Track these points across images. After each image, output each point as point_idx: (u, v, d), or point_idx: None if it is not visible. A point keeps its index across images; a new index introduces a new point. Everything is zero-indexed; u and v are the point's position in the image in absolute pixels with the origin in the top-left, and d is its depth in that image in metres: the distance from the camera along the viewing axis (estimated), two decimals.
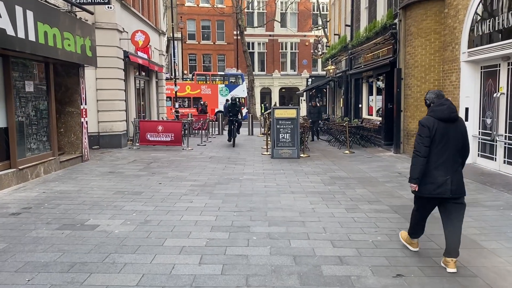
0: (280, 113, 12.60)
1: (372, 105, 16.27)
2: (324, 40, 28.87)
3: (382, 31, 13.43)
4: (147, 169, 10.07)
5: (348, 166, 10.77)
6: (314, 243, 4.85)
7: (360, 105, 17.10)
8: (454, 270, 4.05)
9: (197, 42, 43.21)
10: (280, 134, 12.43)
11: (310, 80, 45.70)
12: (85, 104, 11.05)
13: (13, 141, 7.96)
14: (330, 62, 19.98)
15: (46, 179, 8.60)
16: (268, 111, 24.90)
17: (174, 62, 29.22)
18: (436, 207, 4.33)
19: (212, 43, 43.59)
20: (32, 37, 7.82)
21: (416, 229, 4.54)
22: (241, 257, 4.41)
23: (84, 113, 10.93)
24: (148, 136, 14.26)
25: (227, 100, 23.57)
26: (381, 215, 6.07)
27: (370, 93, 16.54)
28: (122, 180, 8.65)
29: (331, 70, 19.25)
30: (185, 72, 41.91)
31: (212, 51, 43.74)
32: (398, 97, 12.57)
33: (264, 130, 20.85)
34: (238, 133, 15.92)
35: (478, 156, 10.16)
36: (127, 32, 14.86)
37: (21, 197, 7.02)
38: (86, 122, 11.15)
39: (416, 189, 4.20)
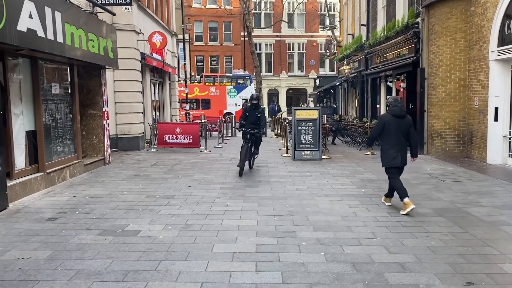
0: (301, 114, 12.43)
1: None
2: (335, 40, 28.68)
3: (403, 30, 13.25)
4: (171, 171, 9.92)
5: (374, 167, 10.59)
6: (368, 249, 4.68)
7: (378, 106, 16.91)
8: (411, 207, 6.03)
9: (204, 44, 43.13)
10: (302, 136, 12.26)
11: (317, 81, 45.58)
12: (107, 106, 10.93)
13: (41, 144, 7.83)
14: (345, 62, 19.81)
15: (73, 183, 8.47)
16: (282, 112, 24.86)
17: (184, 63, 29.04)
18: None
19: (219, 44, 43.49)
20: (60, 39, 7.70)
21: (402, 190, 6.28)
22: (298, 264, 4.25)
23: (106, 115, 10.81)
24: (166, 138, 14.13)
25: (246, 101, 21.56)
26: (427, 219, 5.90)
27: (389, 93, 16.35)
28: (150, 183, 8.50)
29: (346, 70, 19.07)
30: (193, 73, 41.80)
31: (219, 52, 43.64)
32: (422, 97, 12.38)
33: (278, 131, 20.75)
34: (257, 155, 10.70)
35: (509, 156, 9.96)
36: (143, 34, 14.75)
37: (52, 202, 6.88)
38: (108, 124, 11.02)
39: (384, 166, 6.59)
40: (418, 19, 12.47)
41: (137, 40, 14.03)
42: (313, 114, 12.38)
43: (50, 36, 7.34)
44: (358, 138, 14.96)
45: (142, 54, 14.47)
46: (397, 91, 15.28)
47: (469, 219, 5.91)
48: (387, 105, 6.65)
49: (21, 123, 7.41)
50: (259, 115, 9.98)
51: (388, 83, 16.23)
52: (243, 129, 9.90)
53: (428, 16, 12.01)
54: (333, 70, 45.40)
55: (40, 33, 7.00)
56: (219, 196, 7.38)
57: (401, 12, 14.20)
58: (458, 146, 11.50)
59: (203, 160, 11.91)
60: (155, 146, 14.27)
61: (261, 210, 6.39)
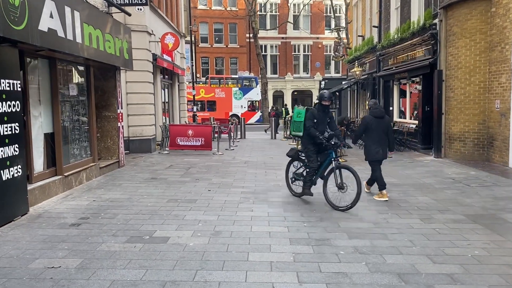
0: None
1: (404, 107, 15.86)
2: (343, 42, 28.49)
3: (419, 32, 13.05)
4: (188, 175, 9.74)
5: (393, 171, 10.39)
6: (411, 259, 4.49)
7: (391, 108, 16.70)
8: (387, 198, 7.15)
9: (209, 45, 42.96)
10: None
11: (323, 83, 45.37)
12: (121, 108, 10.76)
13: (59, 147, 7.66)
14: (356, 63, 19.61)
15: (90, 186, 8.29)
16: (291, 114, 24.66)
17: (192, 65, 28.91)
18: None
19: (225, 46, 43.33)
20: (79, 39, 7.54)
21: (381, 181, 7.37)
22: (341, 275, 4.06)
23: (120, 117, 10.64)
24: (178, 140, 13.96)
25: (315, 105, 18.93)
26: (463, 226, 5.69)
27: (402, 95, 16.15)
28: (169, 187, 8.32)
29: (357, 72, 18.87)
30: (198, 75, 41.65)
31: (225, 54, 43.48)
32: (439, 100, 12.17)
33: (287, 133, 20.54)
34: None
35: None
36: (155, 35, 14.59)
37: (73, 206, 6.71)
38: (122, 126, 10.85)
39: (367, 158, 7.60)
40: (435, 20, 12.28)
41: (149, 41, 13.88)
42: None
43: (70, 36, 7.18)
44: None
45: (154, 55, 14.32)
46: (410, 93, 15.09)
47: (507, 226, 5.71)
48: (369, 108, 7.65)
49: (39, 125, 7.24)
50: (329, 120, 7.19)
51: (402, 85, 16.04)
52: (320, 142, 6.77)
53: (446, 17, 11.81)
54: (338, 72, 45.19)
55: (60, 33, 6.83)
56: (242, 200, 7.20)
57: (417, 13, 14.01)
58: (477, 149, 11.29)
59: (217, 163, 11.73)
60: (167, 149, 14.09)
61: (289, 216, 6.20)
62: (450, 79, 11.75)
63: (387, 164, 11.45)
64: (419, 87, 13.65)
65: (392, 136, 7.60)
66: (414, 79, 14.35)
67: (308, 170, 7.12)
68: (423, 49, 13.12)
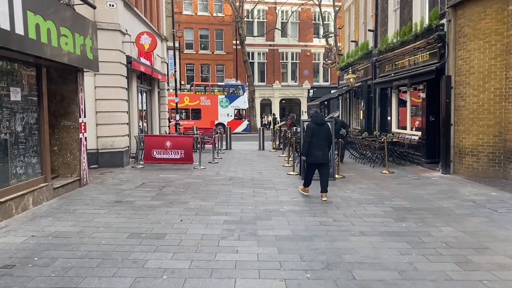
0: None
1: (405, 117, 14.57)
2: (335, 48, 27.33)
3: (424, 34, 11.79)
4: (161, 196, 8.19)
5: (401, 190, 9.00)
6: None
7: (389, 118, 15.41)
8: (326, 199, 7.88)
9: (195, 52, 41.50)
10: None
11: (311, 91, 44.23)
12: (84, 116, 9.18)
13: None
14: (350, 70, 18.34)
15: (36, 214, 6.68)
16: (281, 123, 23.25)
17: (175, 71, 27.40)
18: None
19: (211, 52, 41.93)
20: (19, 30, 6.00)
21: (307, 182, 8.26)
22: None
23: (83, 127, 9.06)
24: (154, 153, 12.38)
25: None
26: None
27: (401, 104, 14.88)
28: (134, 214, 6.76)
29: (351, 79, 17.60)
30: (183, 82, 40.09)
31: (211, 61, 42.05)
32: (447, 109, 10.88)
33: (276, 144, 19.12)
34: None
35: None
36: (130, 35, 13.06)
37: (0, 246, 5.11)
38: (85, 138, 9.26)
39: (305, 159, 8.19)
40: (443, 21, 11.04)
41: (123, 42, 12.34)
42: None
43: (5, 25, 5.64)
44: (370, 154, 13.39)
45: (129, 57, 12.78)
46: (401, 102, 13.84)
47: None
48: (310, 116, 8.61)
49: None
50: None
51: (401, 93, 14.78)
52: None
53: (455, 17, 10.57)
54: (327, 81, 44.16)
55: None
56: (224, 234, 5.68)
57: (419, 14, 12.79)
58: (493, 165, 9.99)
59: (198, 180, 10.19)
60: (141, 162, 12.50)
61: (285, 261, 4.70)
62: (461, 85, 10.47)
63: (391, 182, 10.09)
64: (423, 95, 12.37)
65: (332, 141, 8.69)
66: (416, 86, 13.06)
67: None
68: (427, 53, 11.86)
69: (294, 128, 17.47)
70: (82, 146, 9.01)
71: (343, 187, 9.42)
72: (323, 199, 7.89)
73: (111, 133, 11.99)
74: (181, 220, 6.39)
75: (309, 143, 8.01)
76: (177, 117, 26.05)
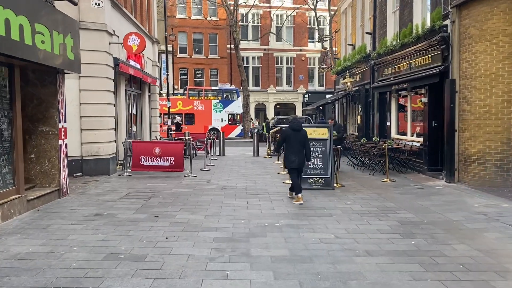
0: (308, 133, 10.19)
1: (405, 123, 14.02)
2: (331, 52, 26.83)
3: (426, 35, 11.26)
4: (146, 208, 7.53)
5: (405, 201, 8.41)
6: None
7: (388, 123, 14.86)
8: (302, 202, 8.00)
9: (188, 56, 40.90)
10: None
11: (306, 96, 43.71)
12: (65, 121, 8.51)
13: None
14: (348, 74, 17.80)
15: (4, 230, 5.99)
16: (276, 128, 22.60)
17: (167, 75, 26.75)
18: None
19: (205, 57, 41.34)
20: None
21: (297, 187, 8.19)
22: None
23: (63, 133, 8.39)
24: (143, 160, 11.71)
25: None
26: None
27: (401, 109, 14.33)
28: (114, 229, 6.09)
29: (349, 83, 17.05)
30: (176, 87, 39.45)
31: (205, 65, 41.45)
32: (451, 114, 10.33)
33: (271, 150, 18.46)
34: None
35: None
36: (118, 36, 12.42)
37: None
38: (66, 145, 8.58)
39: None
40: (446, 21, 10.50)
41: (110, 43, 11.70)
42: (323, 133, 10.20)
43: None
44: (369, 160, 12.81)
45: (116, 59, 12.13)
46: (401, 107, 13.29)
47: None
48: (288, 121, 8.65)
49: None
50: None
51: (401, 98, 14.24)
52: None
53: (460, 18, 10.05)
54: (322, 86, 43.72)
55: None
56: (213, 255, 5.04)
57: (420, 15, 12.27)
58: (501, 173, 9.44)
59: (187, 190, 9.54)
60: (128, 170, 11.82)
61: None
62: (466, 89, 9.93)
63: (393, 191, 9.51)
64: (425, 99, 11.82)
65: (309, 147, 8.47)
66: (417, 90, 12.52)
67: None
68: (430, 55, 11.32)
69: None
70: (62, 153, 8.33)
71: (343, 197, 8.81)
72: (300, 202, 8.08)
73: (96, 139, 11.32)
74: (166, 238, 5.73)
75: (280, 145, 8.91)
76: (169, 122, 25.43)
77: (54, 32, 7.36)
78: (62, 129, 8.37)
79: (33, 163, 8.11)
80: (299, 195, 8.10)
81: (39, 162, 8.15)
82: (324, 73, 40.08)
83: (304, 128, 8.57)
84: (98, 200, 8.22)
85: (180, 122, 26.69)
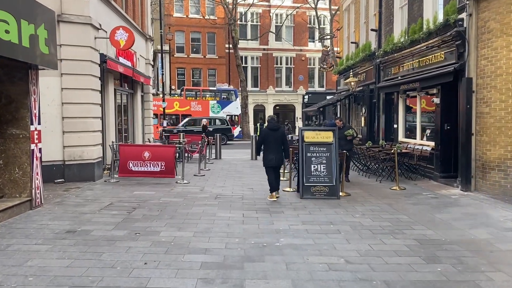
0: (311, 137, 9.31)
1: (412, 125, 13.11)
2: (332, 51, 25.92)
3: (439, 31, 10.36)
4: (127, 223, 6.59)
5: (420, 214, 7.49)
6: None
7: (395, 125, 13.94)
8: (275, 199, 8.58)
9: (186, 56, 39.92)
10: (312, 165, 9.13)
11: (306, 97, 42.76)
12: (39, 123, 7.58)
13: None
14: (351, 73, 16.88)
15: None
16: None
17: (162, 74, 25.86)
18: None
19: (203, 56, 40.39)
20: None
21: (272, 185, 8.72)
22: None
23: (36, 136, 7.45)
24: (131, 165, 10.77)
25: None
26: None
27: (408, 111, 13.43)
28: (85, 252, 5.16)
29: (353, 83, 16.13)
30: (173, 87, 38.53)
31: (202, 65, 40.49)
32: (468, 116, 9.42)
33: None
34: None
35: None
36: (106, 31, 11.49)
37: None
38: (40, 149, 7.64)
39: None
40: (462, 15, 9.61)
41: (96, 38, 10.77)
42: (327, 137, 9.29)
43: None
44: (376, 166, 11.89)
45: (103, 56, 11.21)
46: (409, 108, 12.37)
47: None
48: (267, 121, 9.16)
49: None
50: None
51: (409, 99, 13.33)
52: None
53: (477, 10, 9.15)
54: (322, 86, 42.80)
55: None
56: None
57: (431, 9, 11.36)
58: None
59: (177, 199, 8.61)
60: (115, 176, 10.88)
61: None
62: (485, 89, 9.03)
63: (405, 201, 8.59)
64: (437, 100, 10.90)
65: (287, 145, 8.83)
66: (428, 90, 11.61)
67: None
68: (443, 52, 10.42)
69: (290, 136, 15.98)
70: (34, 159, 7.40)
71: (350, 209, 7.89)
72: (274, 199, 8.62)
73: (80, 142, 10.39)
74: (145, 263, 4.80)
75: (260, 146, 9.04)
76: (165, 123, 24.53)
77: (22, 21, 6.44)
78: (35, 132, 7.44)
79: (1, 170, 7.19)
80: (274, 193, 8.66)
81: (8, 169, 7.22)
82: (325, 73, 39.22)
83: (281, 127, 8.96)
84: (74, 212, 7.27)
85: (205, 123, 25.58)
